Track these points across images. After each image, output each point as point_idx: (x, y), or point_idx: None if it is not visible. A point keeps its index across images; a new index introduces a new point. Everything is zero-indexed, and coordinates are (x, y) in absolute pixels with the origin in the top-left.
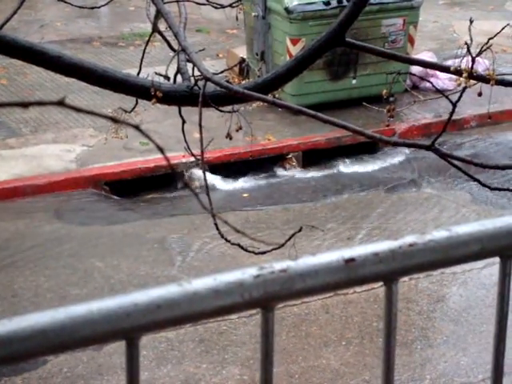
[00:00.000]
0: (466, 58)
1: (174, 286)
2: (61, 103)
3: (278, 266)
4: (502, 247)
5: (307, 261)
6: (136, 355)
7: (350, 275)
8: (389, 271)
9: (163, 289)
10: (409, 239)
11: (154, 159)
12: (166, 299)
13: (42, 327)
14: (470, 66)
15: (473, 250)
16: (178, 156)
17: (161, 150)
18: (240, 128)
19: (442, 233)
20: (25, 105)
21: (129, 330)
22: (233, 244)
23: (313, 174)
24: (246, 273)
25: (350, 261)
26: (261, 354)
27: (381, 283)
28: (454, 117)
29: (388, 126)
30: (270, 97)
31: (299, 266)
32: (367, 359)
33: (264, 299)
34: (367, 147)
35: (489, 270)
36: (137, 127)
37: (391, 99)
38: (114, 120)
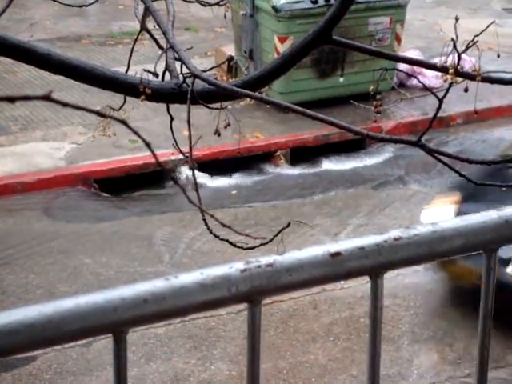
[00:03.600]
0: (452, 56)
1: (161, 280)
2: (47, 98)
3: (265, 260)
4: (486, 241)
5: (293, 255)
6: (123, 349)
7: (335, 269)
8: (374, 265)
9: (150, 283)
10: (394, 233)
11: (142, 157)
12: (152, 293)
13: (30, 321)
14: (456, 62)
15: (457, 245)
16: (166, 153)
17: (147, 145)
18: (228, 125)
19: (427, 227)
20: (11, 99)
21: (116, 323)
22: (221, 240)
23: (300, 171)
24: (233, 267)
25: (335, 255)
26: (248, 347)
27: (367, 278)
28: (441, 114)
29: (375, 121)
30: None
31: (285, 260)
32: (355, 355)
33: (251, 293)
34: (354, 145)
35: None
36: (123, 122)
37: (378, 96)
38: (101, 115)
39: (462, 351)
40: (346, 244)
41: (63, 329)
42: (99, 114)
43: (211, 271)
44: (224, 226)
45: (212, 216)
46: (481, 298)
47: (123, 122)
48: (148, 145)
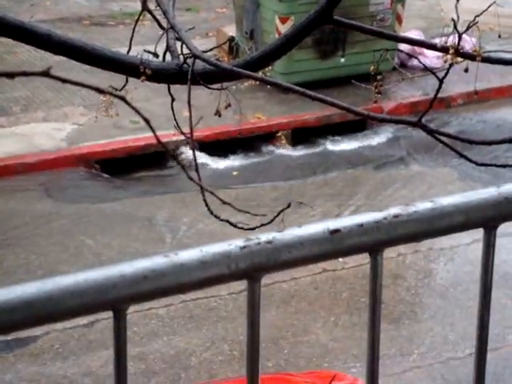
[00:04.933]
0: (452, 36)
1: (161, 257)
2: (46, 74)
3: (264, 237)
4: (486, 218)
5: (293, 232)
6: (123, 326)
7: (335, 246)
8: (374, 242)
9: (150, 260)
10: (393, 210)
11: (144, 137)
12: (152, 270)
13: (29, 298)
14: (456, 43)
15: (457, 221)
16: (167, 134)
17: (147, 122)
18: (229, 105)
19: (427, 204)
20: (10, 75)
21: (116, 300)
22: (222, 220)
23: (302, 151)
24: (233, 244)
25: (335, 232)
26: (247, 324)
27: (368, 258)
28: (441, 95)
29: (376, 102)
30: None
31: (285, 237)
32: (356, 334)
33: (250, 270)
34: (356, 125)
35: (476, 245)
36: (123, 98)
37: (379, 77)
38: (100, 91)
39: (463, 331)
40: (345, 221)
41: (63, 305)
42: (98, 90)
43: (211, 248)
44: (224, 203)
45: (212, 193)
46: (480, 276)
47: (122, 99)
48: (147, 121)
